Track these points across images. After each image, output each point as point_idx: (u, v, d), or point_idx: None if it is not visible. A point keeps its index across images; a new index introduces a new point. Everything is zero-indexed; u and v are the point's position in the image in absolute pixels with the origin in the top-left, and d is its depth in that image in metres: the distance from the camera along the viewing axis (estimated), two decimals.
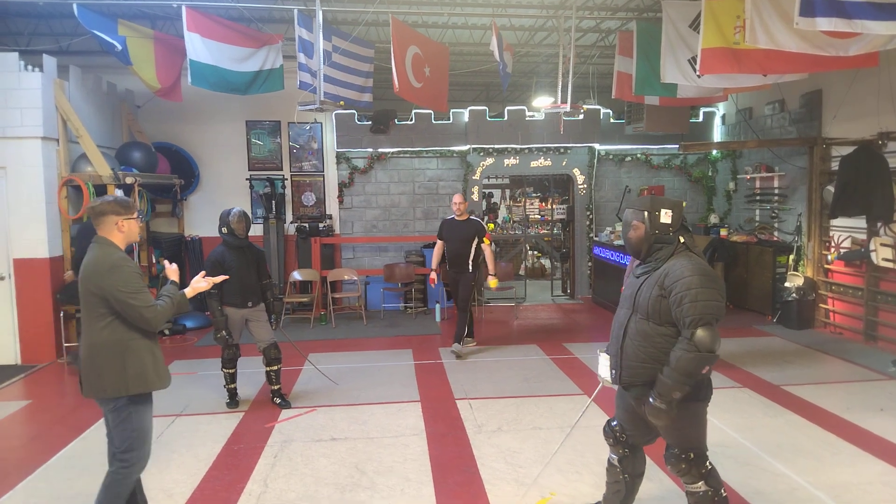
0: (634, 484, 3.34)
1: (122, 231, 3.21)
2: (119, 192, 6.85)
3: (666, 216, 3.02)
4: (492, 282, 7.17)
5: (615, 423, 3.31)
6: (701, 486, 3.03)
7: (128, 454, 3.17)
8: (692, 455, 3.02)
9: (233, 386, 5.61)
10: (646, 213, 3.05)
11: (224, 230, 5.37)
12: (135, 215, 3.26)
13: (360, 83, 7.90)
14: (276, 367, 5.53)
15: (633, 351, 3.04)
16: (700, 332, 2.79)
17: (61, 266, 7.29)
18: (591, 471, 4.10)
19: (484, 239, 7.18)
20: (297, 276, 9.27)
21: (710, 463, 3.07)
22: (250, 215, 9.25)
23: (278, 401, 5.58)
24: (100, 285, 3.06)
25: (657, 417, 2.90)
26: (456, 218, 7.20)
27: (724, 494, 3.07)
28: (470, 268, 7.13)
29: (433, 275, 7.39)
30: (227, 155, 9.91)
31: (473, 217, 7.34)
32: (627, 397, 3.16)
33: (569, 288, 10.85)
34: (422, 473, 4.23)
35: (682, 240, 3.02)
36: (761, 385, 5.90)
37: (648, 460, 4.19)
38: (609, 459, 3.36)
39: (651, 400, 2.89)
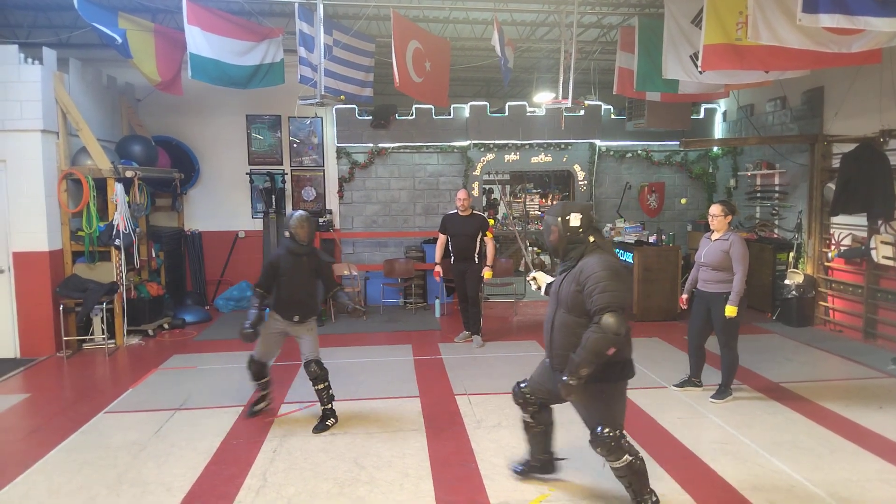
0: (549, 430, 3.89)
1: None
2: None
3: (575, 219, 3.41)
4: (487, 273, 7.34)
5: (525, 384, 3.80)
6: (626, 458, 3.37)
7: None
8: (617, 433, 3.36)
9: (263, 393, 5.29)
10: (559, 218, 3.43)
11: (287, 234, 4.99)
12: None
13: (360, 78, 7.90)
14: (320, 386, 4.97)
15: (560, 341, 3.41)
16: (607, 317, 3.12)
17: (61, 259, 7.29)
18: (590, 467, 4.09)
19: (487, 233, 7.35)
20: None
21: (626, 437, 3.44)
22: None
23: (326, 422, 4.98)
24: None
25: (568, 393, 3.28)
26: (459, 213, 7.32)
27: (641, 457, 3.44)
28: (476, 259, 7.32)
29: (438, 268, 7.51)
30: (228, 149, 9.89)
31: (476, 212, 7.46)
32: (554, 375, 3.52)
33: None
34: (421, 468, 4.24)
35: (592, 239, 3.38)
36: (760, 382, 5.91)
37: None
38: (523, 419, 3.84)
39: (564, 378, 3.24)
